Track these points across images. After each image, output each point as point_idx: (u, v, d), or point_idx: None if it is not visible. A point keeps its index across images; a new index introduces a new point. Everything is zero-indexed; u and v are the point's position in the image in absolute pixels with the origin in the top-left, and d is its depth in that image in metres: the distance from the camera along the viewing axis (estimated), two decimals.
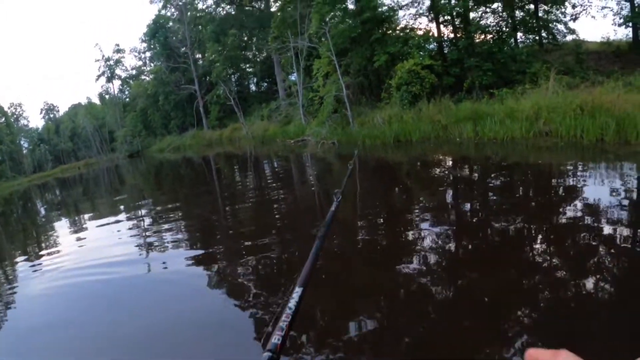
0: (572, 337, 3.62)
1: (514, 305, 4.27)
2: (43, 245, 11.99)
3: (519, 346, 3.61)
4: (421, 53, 21.31)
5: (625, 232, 5.67)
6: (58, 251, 10.21)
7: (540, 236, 6.19)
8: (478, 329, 4.05)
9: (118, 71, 64.23)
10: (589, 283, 4.46)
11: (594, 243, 5.49)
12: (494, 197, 8.72)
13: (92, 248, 9.75)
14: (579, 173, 9.39)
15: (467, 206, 8.58)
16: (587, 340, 3.54)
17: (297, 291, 1.27)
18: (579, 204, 7.06)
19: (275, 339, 1.09)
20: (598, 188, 7.70)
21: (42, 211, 22.28)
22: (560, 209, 7.10)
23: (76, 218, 15.92)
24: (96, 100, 75.07)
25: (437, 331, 4.20)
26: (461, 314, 4.36)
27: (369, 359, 4.01)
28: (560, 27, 22.73)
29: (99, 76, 64.21)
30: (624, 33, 20.69)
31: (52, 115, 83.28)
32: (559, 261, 5.15)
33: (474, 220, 7.60)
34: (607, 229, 5.75)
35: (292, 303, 1.22)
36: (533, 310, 4.17)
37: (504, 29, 21.76)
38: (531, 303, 4.29)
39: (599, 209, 6.61)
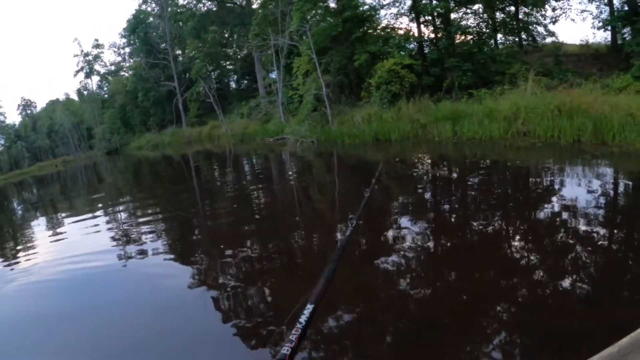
0: (550, 333, 3.59)
1: (493, 303, 4.24)
2: (20, 244, 11.53)
3: (498, 343, 3.59)
4: (401, 53, 21.32)
5: (601, 230, 5.66)
6: (35, 251, 9.85)
7: (518, 235, 6.17)
8: (458, 328, 4.01)
9: (97, 67, 62.85)
10: (566, 280, 4.44)
11: (570, 241, 5.48)
12: (473, 197, 8.70)
13: (70, 248, 9.35)
14: (556, 173, 9.37)
15: (446, 206, 8.50)
16: (566, 336, 3.52)
17: (309, 308, 1.31)
18: (556, 204, 7.04)
19: (285, 349, 1.13)
20: (575, 188, 7.71)
21: (19, 210, 21.75)
22: (538, 209, 7.07)
23: (53, 217, 15.47)
24: (74, 97, 73.69)
25: (417, 330, 4.15)
26: (441, 313, 4.32)
27: (349, 357, 3.96)
28: (540, 29, 22.82)
29: (77, 72, 62.71)
30: (603, 36, 20.80)
31: (29, 112, 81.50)
32: (536, 259, 5.14)
33: (453, 220, 7.51)
34: (583, 228, 5.74)
35: (302, 318, 1.26)
36: (511, 307, 4.17)
37: (485, 30, 21.78)
38: (510, 301, 4.28)
39: (576, 208, 6.59)
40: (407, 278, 5.20)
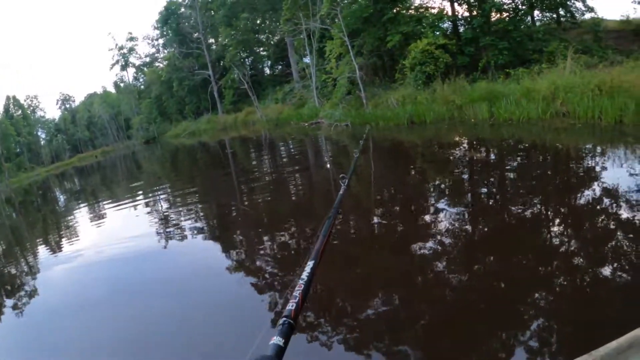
0: (588, 323, 3.57)
1: (530, 290, 4.23)
2: (63, 231, 12.28)
3: (534, 331, 3.60)
4: (435, 32, 20.95)
5: None
6: (77, 238, 10.58)
7: (557, 220, 6.09)
8: (492, 314, 4.04)
9: (132, 59, 64.36)
10: (607, 269, 4.37)
11: (611, 228, 5.36)
12: (511, 180, 8.61)
13: (111, 234, 9.94)
14: (597, 156, 9.17)
15: (483, 189, 8.43)
16: (604, 327, 3.44)
17: (309, 264, 1.40)
18: (597, 188, 6.88)
19: (290, 305, 1.21)
20: (617, 171, 7.48)
21: (62, 199, 22.55)
22: (578, 193, 6.95)
23: (94, 205, 16.13)
24: (111, 89, 75.43)
25: (451, 316, 4.18)
26: (476, 298, 4.37)
27: (381, 340, 4.02)
28: (579, 4, 21.99)
29: (113, 65, 64.36)
30: None
31: (68, 106, 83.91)
32: (575, 246, 5.07)
33: (490, 203, 7.47)
34: (625, 214, 5.60)
35: (304, 274, 1.35)
36: (549, 295, 4.14)
37: (521, 6, 21.19)
38: (546, 288, 4.24)
39: (618, 193, 6.42)
40: (442, 262, 5.25)
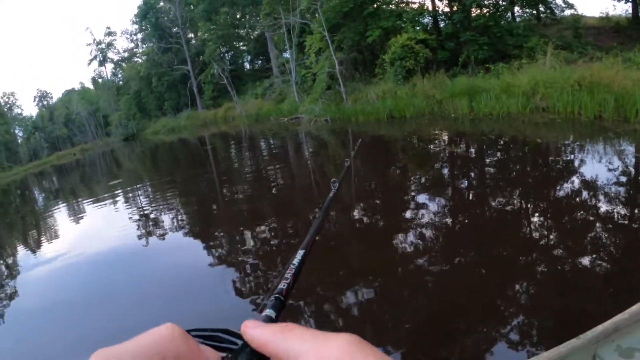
0: (567, 313, 3.57)
1: (510, 281, 4.25)
2: (42, 230, 12.03)
3: (515, 323, 3.58)
4: (416, 27, 20.85)
5: (622, 210, 5.52)
6: (56, 236, 10.35)
7: (536, 213, 6.07)
8: (474, 307, 4.00)
9: (110, 54, 62.77)
10: (585, 259, 4.39)
11: (590, 220, 5.37)
12: (491, 174, 8.55)
13: (90, 233, 9.71)
14: (576, 150, 9.16)
15: (464, 183, 8.41)
16: (582, 316, 3.47)
17: (300, 253, 1.23)
18: (576, 182, 6.88)
19: (282, 285, 1.04)
20: (596, 166, 7.47)
21: (40, 199, 22.00)
22: (558, 187, 6.92)
23: (74, 203, 15.72)
24: (89, 85, 73.96)
25: (433, 310, 4.15)
26: (457, 292, 4.31)
27: (366, 332, 3.94)
28: (559, 1, 22.12)
29: (91, 60, 62.77)
30: (624, 8, 20.21)
31: (45, 102, 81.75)
32: (555, 239, 5.07)
33: (471, 197, 7.43)
34: (603, 207, 5.61)
35: (295, 260, 1.18)
36: (528, 286, 4.16)
37: (501, 2, 21.18)
38: (527, 279, 4.26)
39: (596, 187, 6.41)
40: (424, 256, 5.22)
